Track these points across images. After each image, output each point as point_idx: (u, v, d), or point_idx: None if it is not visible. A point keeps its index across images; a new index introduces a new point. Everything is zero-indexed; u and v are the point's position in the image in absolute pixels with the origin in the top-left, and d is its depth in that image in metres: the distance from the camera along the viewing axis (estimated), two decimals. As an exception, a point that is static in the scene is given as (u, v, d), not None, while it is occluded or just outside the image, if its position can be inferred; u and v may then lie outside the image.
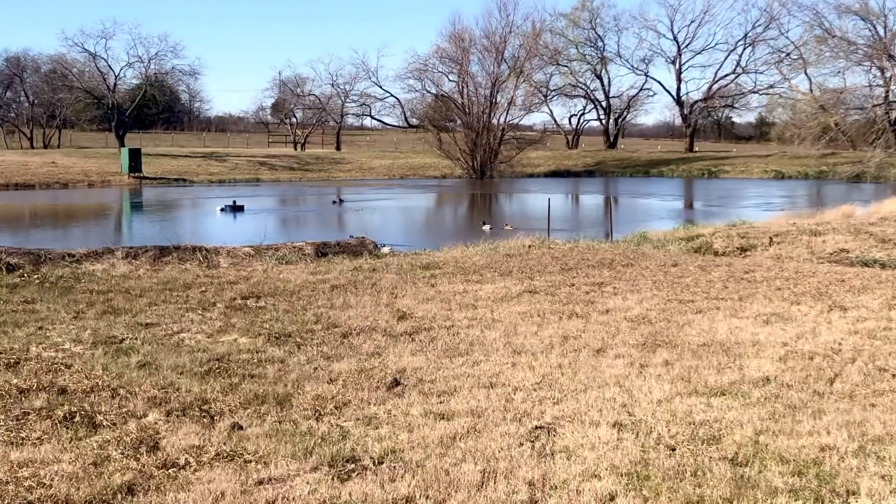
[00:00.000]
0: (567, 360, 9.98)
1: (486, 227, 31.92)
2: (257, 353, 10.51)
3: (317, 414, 8.16)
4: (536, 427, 7.59)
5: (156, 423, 7.91)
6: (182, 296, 14.24)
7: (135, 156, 61.33)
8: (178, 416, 8.06)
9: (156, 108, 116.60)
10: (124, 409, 8.24)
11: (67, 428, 7.69)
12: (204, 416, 8.08)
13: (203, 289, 14.87)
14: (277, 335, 11.44)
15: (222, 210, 38.20)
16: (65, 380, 9.17)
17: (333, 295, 14.39)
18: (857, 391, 8.63)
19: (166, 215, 41.14)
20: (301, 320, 12.35)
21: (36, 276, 15.55)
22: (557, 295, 13.95)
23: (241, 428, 7.77)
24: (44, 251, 17.23)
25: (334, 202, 44.32)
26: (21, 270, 15.94)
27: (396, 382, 9.06)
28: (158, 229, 33.72)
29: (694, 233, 22.58)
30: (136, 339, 11.20)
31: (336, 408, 8.32)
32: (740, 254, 19.71)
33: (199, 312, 12.95)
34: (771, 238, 20.24)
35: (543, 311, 12.68)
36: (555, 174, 76.17)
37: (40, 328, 11.79)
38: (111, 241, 24.75)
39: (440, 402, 8.40)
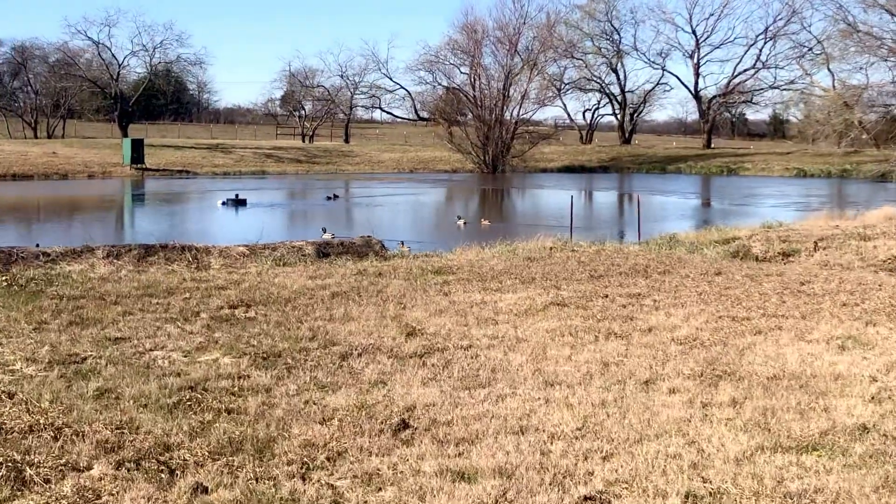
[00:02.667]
0: (611, 395, 8.25)
1: (461, 222, 30.22)
2: (239, 378, 8.82)
3: (304, 468, 6.47)
4: (585, 498, 5.88)
5: (100, 479, 6.24)
6: (162, 303, 12.55)
7: (137, 147, 59.66)
8: (129, 471, 6.38)
9: (164, 99, 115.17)
10: (64, 459, 6.56)
11: (-18, 489, 6.02)
12: (162, 471, 6.39)
13: (187, 295, 13.17)
14: (265, 355, 9.76)
15: (223, 204, 36.58)
16: (1, 414, 7.48)
17: (333, 304, 12.69)
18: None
19: (163, 208, 39.54)
20: (294, 336, 10.66)
21: (3, 278, 13.88)
22: (590, 308, 12.21)
23: (205, 491, 6.07)
24: (16, 249, 15.56)
25: (328, 198, 42.13)
26: (-13, 271, 14.27)
27: (405, 425, 7.35)
28: (152, 223, 32.16)
29: (729, 235, 20.78)
30: (100, 357, 9.54)
31: (329, 459, 6.63)
32: (782, 260, 17.93)
33: (179, 324, 11.26)
34: (815, 242, 18.44)
35: (576, 329, 10.95)
36: (568, 169, 74.28)
37: (-9, 342, 10.13)
38: (98, 236, 23.06)
39: (459, 455, 6.69)
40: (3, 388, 8.26)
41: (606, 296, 13.09)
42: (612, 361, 9.49)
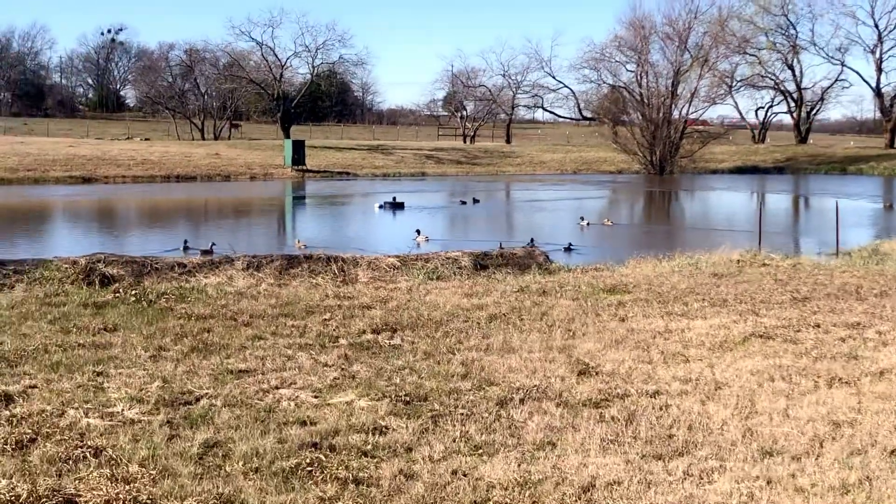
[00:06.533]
0: (853, 474, 6.21)
1: (584, 223, 29.22)
2: (375, 430, 7.20)
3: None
4: None
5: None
6: (298, 326, 11.11)
7: (298, 148, 59.51)
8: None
9: (329, 100, 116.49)
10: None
11: None
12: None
13: (327, 315, 11.70)
14: (409, 397, 8.12)
15: (381, 207, 35.43)
16: (78, 483, 6.06)
17: (491, 329, 10.97)
18: None
19: (319, 211, 38.80)
20: (444, 371, 8.99)
21: (133, 292, 12.76)
22: (800, 342, 10.05)
23: None
24: (150, 260, 14.48)
25: (463, 202, 39.34)
26: (118, 284, 13.20)
27: (581, 517, 5.53)
28: (306, 227, 31.32)
29: (949, 247, 18.00)
30: (216, 397, 8.11)
31: (480, 569, 4.88)
32: None
33: (314, 353, 9.76)
34: None
35: (787, 371, 8.86)
36: (740, 170, 70.34)
37: (99, 374, 8.87)
38: (245, 242, 22.13)
39: (659, 573, 4.82)
40: (91, 441, 6.87)
41: (818, 325, 10.87)
42: (844, 420, 7.42)
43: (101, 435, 7.07)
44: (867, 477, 6.18)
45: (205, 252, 19.75)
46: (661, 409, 7.78)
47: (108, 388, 8.40)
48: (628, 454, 6.66)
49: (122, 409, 7.74)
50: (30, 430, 7.10)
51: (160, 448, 6.76)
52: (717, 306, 12.20)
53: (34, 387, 8.39)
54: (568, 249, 22.34)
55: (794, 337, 10.31)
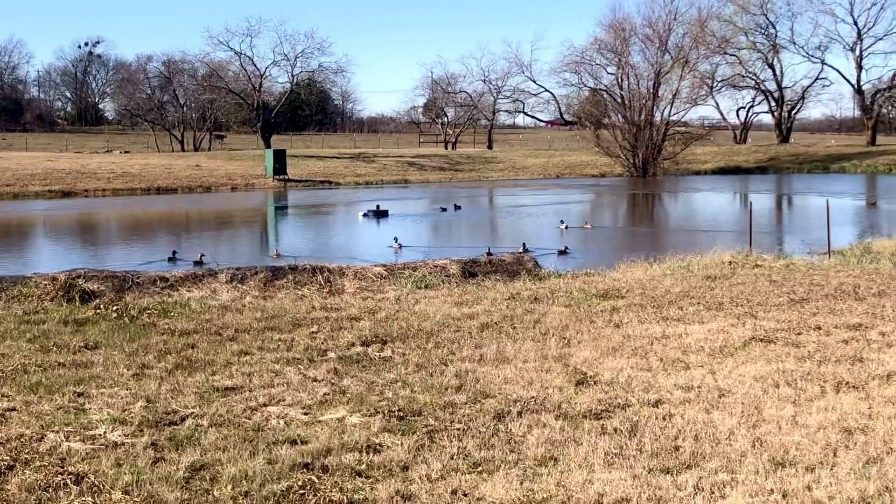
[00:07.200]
0: (872, 484, 5.95)
1: (563, 226, 29.50)
2: (369, 448, 6.89)
3: None
4: None
5: None
6: (285, 340, 10.79)
7: (279, 157, 59.05)
8: None
9: (308, 109, 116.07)
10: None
11: None
12: None
13: (315, 328, 11.39)
14: (402, 412, 7.81)
15: (364, 215, 35.13)
16: (57, 513, 5.74)
17: (483, 339, 10.68)
18: None
19: (302, 222, 38.43)
20: (438, 384, 8.69)
21: (115, 308, 12.41)
22: (802, 346, 9.80)
23: None
24: (131, 274, 14.11)
25: (443, 209, 39.00)
26: (99, 300, 12.84)
27: (591, 539, 5.24)
28: (289, 237, 30.98)
29: (939, 244, 17.83)
30: (202, 416, 7.78)
31: None
32: None
33: (302, 368, 9.45)
34: None
35: (792, 376, 8.59)
36: (723, 171, 70.41)
37: (80, 394, 8.54)
38: (227, 253, 21.79)
39: None
40: (72, 467, 6.54)
41: (819, 327, 10.62)
42: (855, 426, 7.15)
43: (82, 460, 6.73)
44: (886, 487, 5.92)
45: (196, 263, 19.63)
46: (664, 419, 7.50)
47: (90, 409, 8.06)
48: (634, 468, 6.37)
49: (105, 432, 7.40)
50: (7, 457, 6.76)
51: (144, 473, 6.43)
52: (713, 310, 11.94)
53: (13, 409, 8.05)
54: (563, 253, 22.16)
55: (796, 340, 10.05)
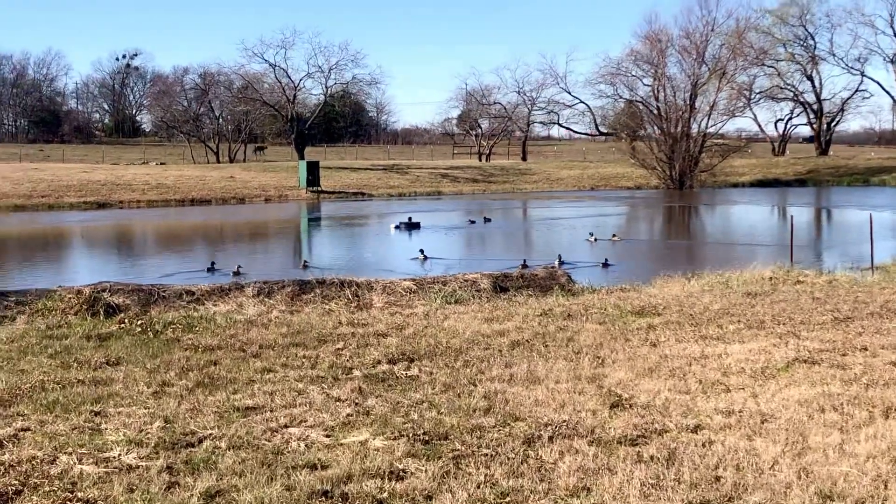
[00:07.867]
0: (929, 522, 5.52)
1: (592, 238, 29.48)
2: (391, 475, 6.55)
3: None
4: None
5: None
6: (310, 357, 10.49)
7: (312, 169, 59.05)
8: None
9: (343, 122, 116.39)
10: None
11: None
12: None
13: (341, 344, 11.09)
14: (428, 436, 7.46)
15: (397, 227, 34.89)
16: (64, 540, 5.46)
17: (514, 357, 10.32)
18: None
19: (334, 234, 38.25)
20: (466, 405, 8.33)
21: (139, 322, 12.19)
22: (848, 368, 9.35)
23: None
24: (157, 287, 13.90)
25: (472, 221, 38.67)
26: (123, 314, 12.63)
27: (626, 581, 4.87)
28: (319, 250, 30.78)
29: None
30: (220, 437, 7.48)
31: None
32: None
33: (326, 387, 9.14)
34: None
35: (838, 401, 8.16)
36: (761, 183, 69.54)
37: (97, 413, 8.27)
38: (260, 264, 21.60)
39: None
40: (83, 492, 6.27)
41: (865, 348, 10.16)
42: (908, 456, 6.71)
43: (93, 484, 6.46)
44: (943, 525, 5.50)
45: (234, 273, 20.13)
46: (703, 445, 7.11)
47: (106, 429, 7.80)
48: (672, 501, 5.99)
49: (119, 454, 7.12)
50: (16, 481, 6.50)
51: (157, 499, 6.15)
52: (754, 328, 11.50)
53: (27, 429, 7.79)
54: (605, 265, 21.83)
55: (841, 361, 9.61)
